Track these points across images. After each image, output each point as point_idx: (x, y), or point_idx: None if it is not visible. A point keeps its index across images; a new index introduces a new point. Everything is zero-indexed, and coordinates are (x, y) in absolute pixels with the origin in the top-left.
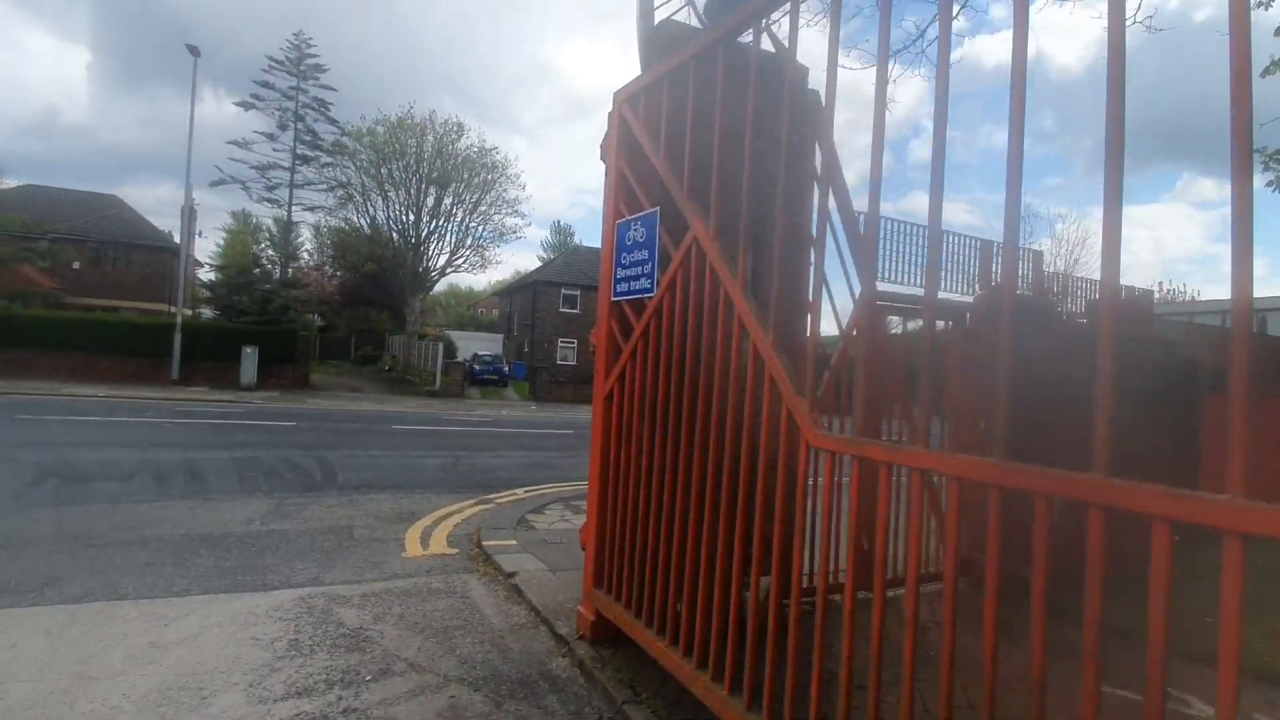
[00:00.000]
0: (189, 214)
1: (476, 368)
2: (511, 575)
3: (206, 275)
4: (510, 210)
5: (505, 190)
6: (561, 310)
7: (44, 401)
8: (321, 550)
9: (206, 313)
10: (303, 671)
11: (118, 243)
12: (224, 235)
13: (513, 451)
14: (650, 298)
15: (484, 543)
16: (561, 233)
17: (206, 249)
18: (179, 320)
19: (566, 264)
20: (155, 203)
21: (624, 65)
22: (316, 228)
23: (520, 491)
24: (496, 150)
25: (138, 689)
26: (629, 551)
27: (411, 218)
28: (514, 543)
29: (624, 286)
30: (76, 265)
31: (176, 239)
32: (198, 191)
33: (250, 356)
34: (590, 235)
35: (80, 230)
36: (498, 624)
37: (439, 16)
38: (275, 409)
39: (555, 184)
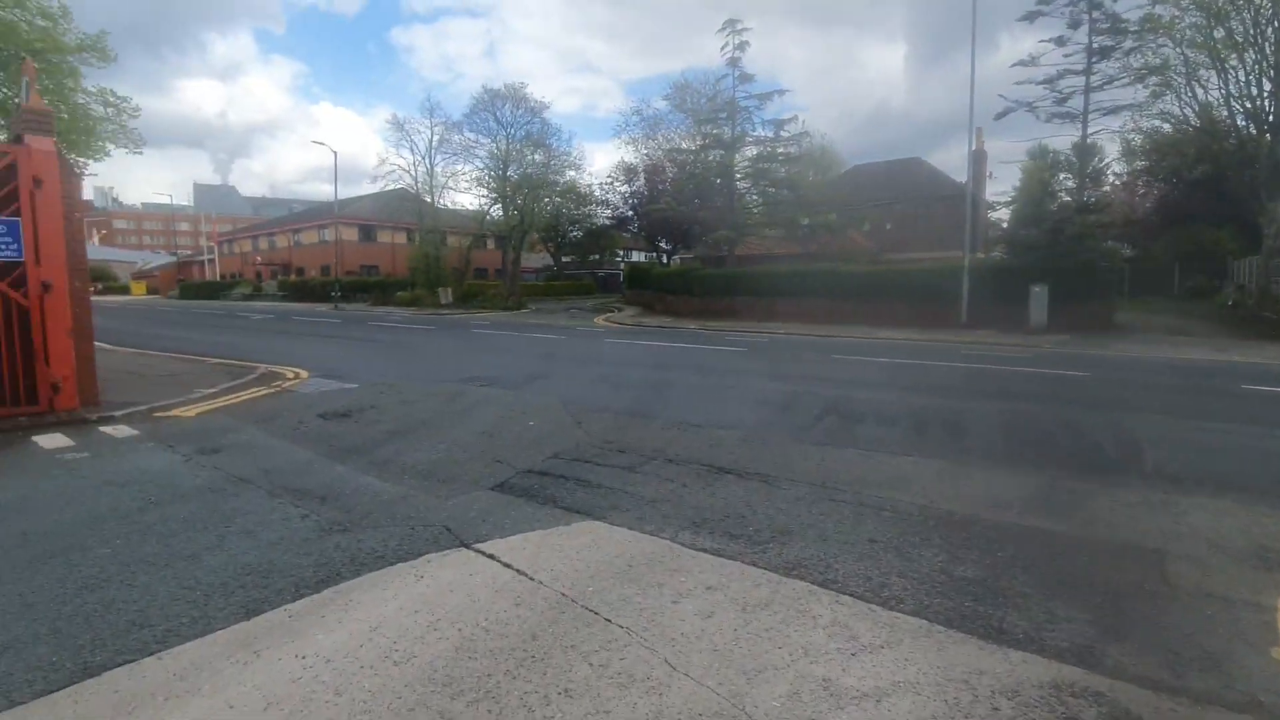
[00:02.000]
0: (973, 157)
1: None
2: None
3: (996, 216)
4: None
5: None
6: None
7: (854, 344)
8: (1099, 587)
9: (999, 255)
10: None
11: (918, 199)
12: (1019, 175)
13: None
14: None
15: None
16: None
17: (1000, 192)
18: (965, 263)
19: None
20: (960, 160)
21: None
22: (1124, 138)
23: None
24: None
25: None
26: None
27: (1269, 87)
28: None
29: None
30: (888, 226)
31: (973, 184)
32: (994, 141)
33: (1038, 296)
34: None
35: (889, 196)
36: None
37: None
38: (1064, 355)
39: None
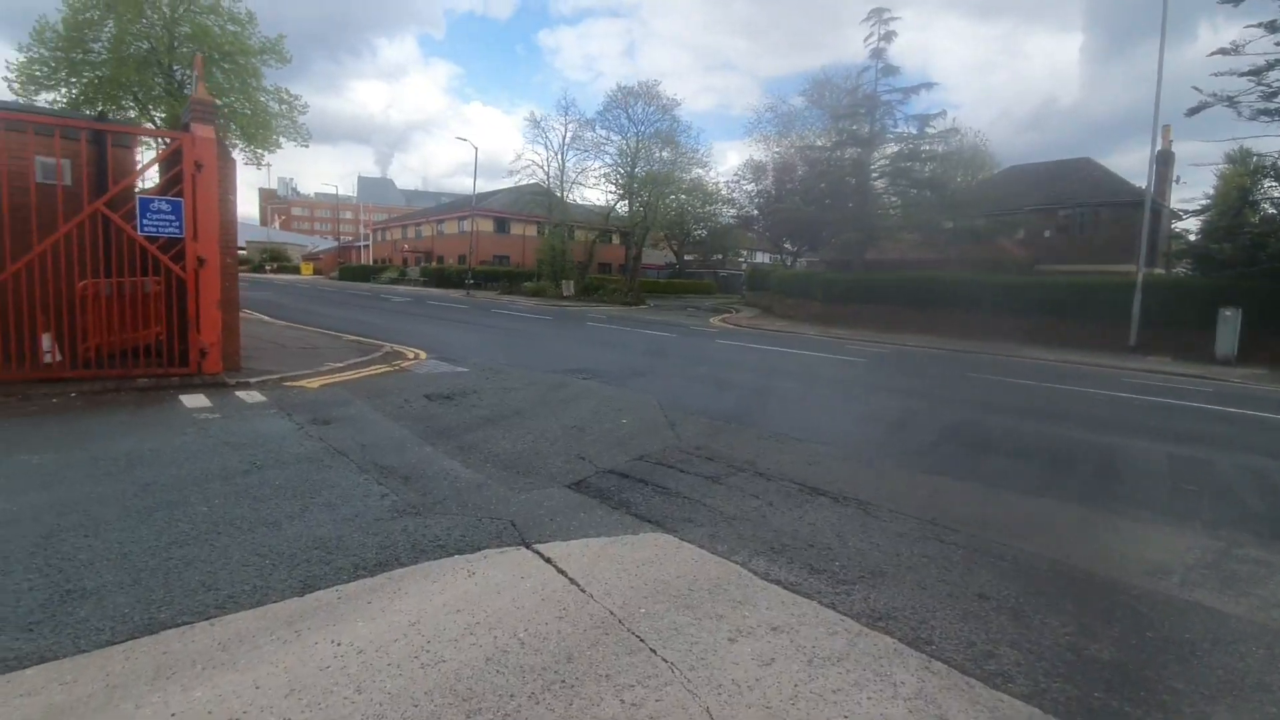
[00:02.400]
0: (1157, 158)
1: None
2: None
3: (1181, 227)
4: None
5: None
6: None
7: (995, 362)
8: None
9: (1182, 271)
10: None
11: (1085, 205)
12: (1214, 182)
13: None
14: None
15: None
16: None
17: (1188, 200)
18: (1139, 279)
19: None
20: (1139, 164)
21: None
22: None
23: None
24: None
25: None
26: None
27: None
28: None
29: None
30: (1046, 233)
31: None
32: (1184, 144)
33: (1229, 321)
34: None
35: (1051, 199)
36: None
37: None
38: (1260, 393)
39: None
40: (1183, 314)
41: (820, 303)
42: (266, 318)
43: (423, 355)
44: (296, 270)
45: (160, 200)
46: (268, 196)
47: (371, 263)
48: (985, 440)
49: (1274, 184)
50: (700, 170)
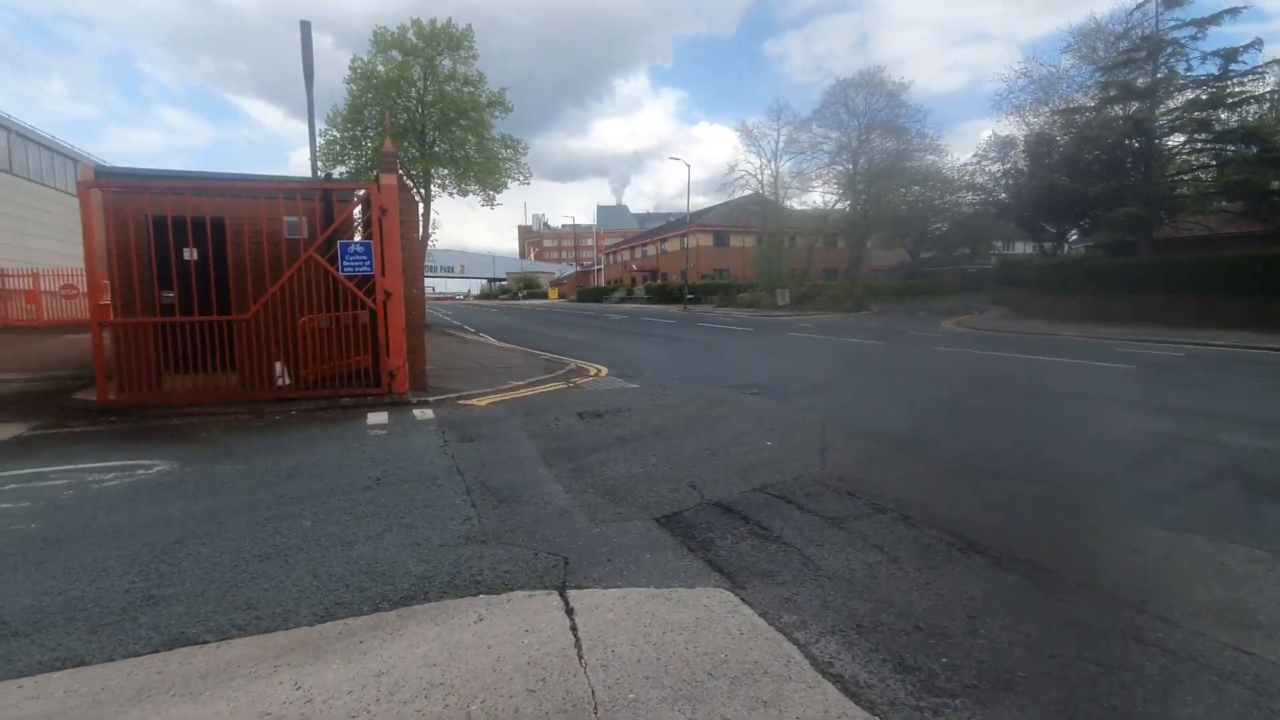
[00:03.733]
0: None
1: None
2: None
3: None
4: None
5: None
6: None
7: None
8: None
9: None
10: None
11: None
12: None
13: None
14: None
15: None
16: None
17: None
18: None
19: None
20: None
21: None
22: None
23: None
24: None
25: None
26: None
27: None
28: None
29: None
30: None
31: None
32: None
33: None
34: None
35: None
36: None
37: None
38: None
39: None
40: None
41: (1086, 297)
42: (493, 339)
43: (603, 371)
44: (544, 295)
45: (355, 243)
46: (525, 232)
47: (604, 284)
48: (1273, 479)
49: None
50: (934, 157)
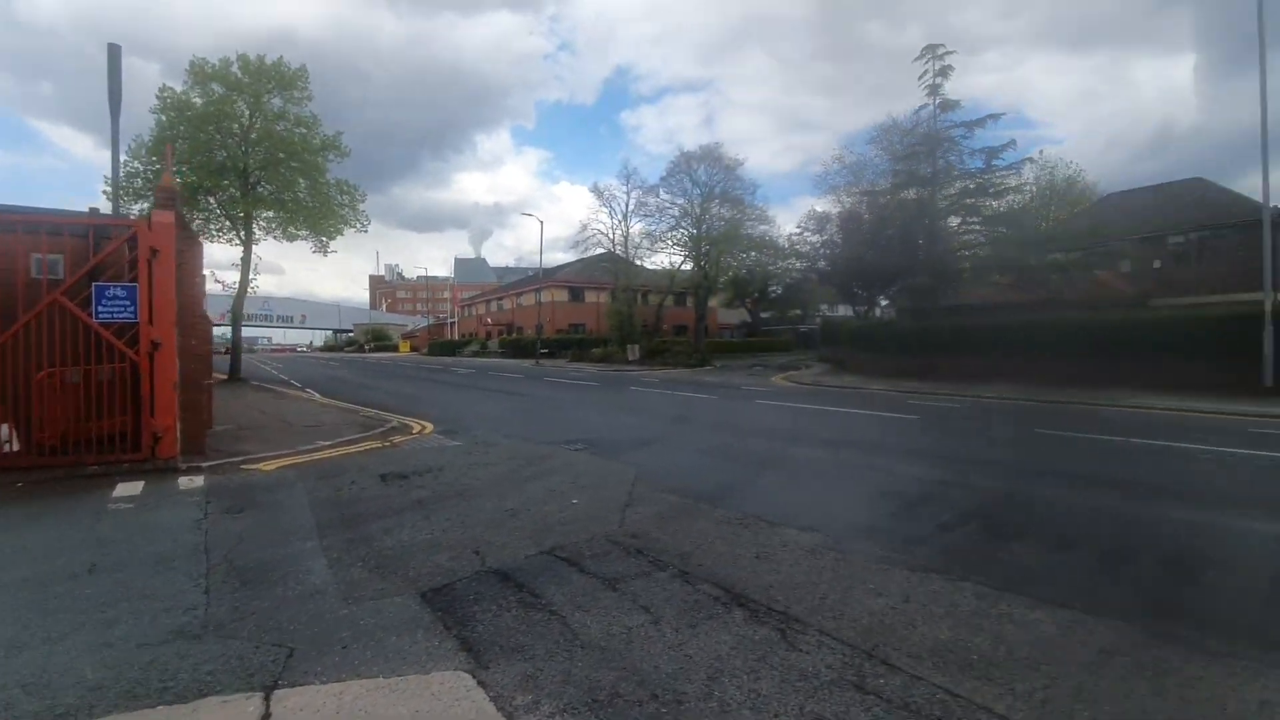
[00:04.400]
0: (1268, 159)
1: None
2: None
3: None
4: None
5: None
6: None
7: (1087, 414)
8: None
9: None
10: None
11: (1197, 229)
12: None
13: None
14: None
15: None
16: None
17: None
18: (1267, 307)
19: None
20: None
21: None
22: None
23: None
24: None
25: None
26: None
27: None
28: None
29: None
30: (1156, 264)
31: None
32: None
33: None
34: None
35: (1157, 227)
36: None
37: None
38: None
39: None
40: None
41: (891, 356)
42: (317, 395)
43: (428, 429)
44: (395, 348)
45: (115, 286)
46: (376, 282)
47: (458, 337)
48: (1019, 522)
49: None
50: (766, 226)
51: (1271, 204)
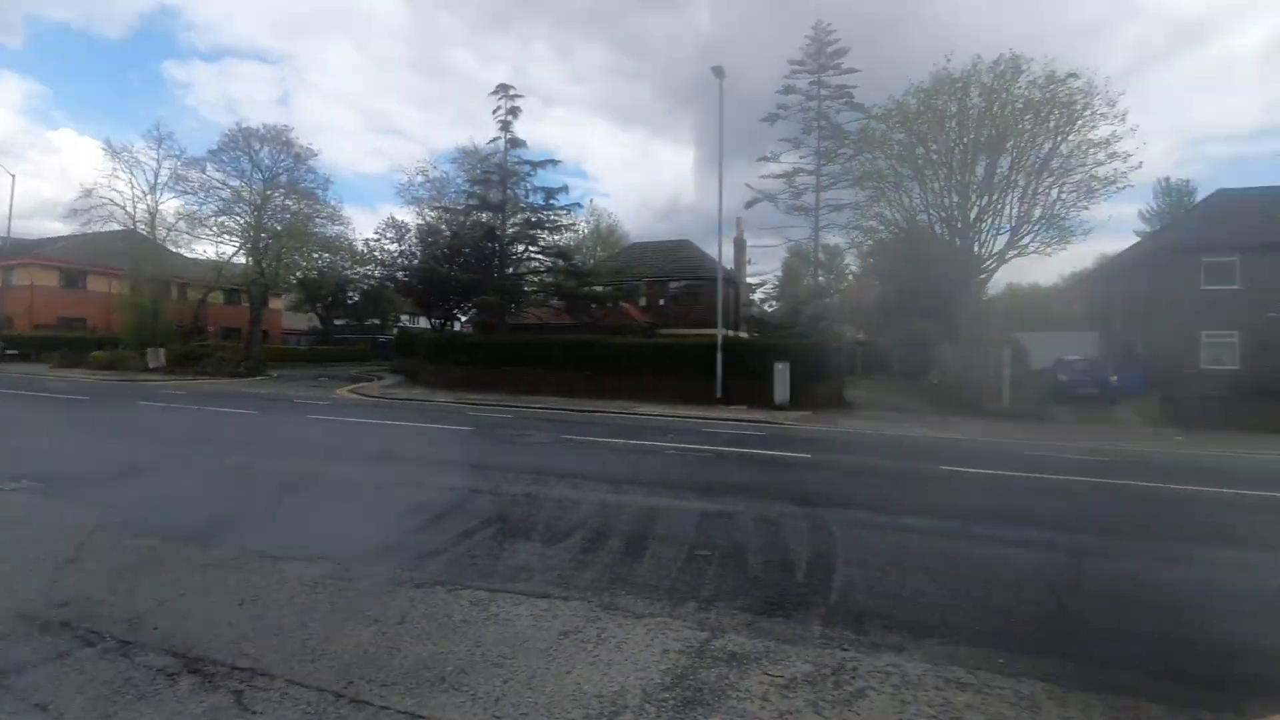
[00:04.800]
0: (736, 244)
1: (1063, 378)
2: None
3: (759, 297)
4: (1103, 156)
5: (1091, 129)
6: (1205, 288)
7: (603, 420)
8: None
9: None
10: None
11: (685, 279)
12: (780, 263)
13: (1200, 546)
14: None
15: None
16: (1173, 194)
17: (758, 272)
18: (719, 339)
19: (1210, 217)
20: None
21: None
22: (850, 237)
23: None
24: (1075, 76)
25: None
26: None
27: (956, 199)
28: None
29: None
30: (662, 302)
31: (735, 269)
32: (760, 235)
33: (782, 373)
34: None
35: (663, 273)
36: None
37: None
38: (798, 433)
39: (1157, 140)
40: (752, 368)
41: (460, 368)
42: None
43: None
44: None
45: None
46: None
47: None
48: (533, 522)
49: (820, 271)
50: (340, 227)
51: (726, 268)
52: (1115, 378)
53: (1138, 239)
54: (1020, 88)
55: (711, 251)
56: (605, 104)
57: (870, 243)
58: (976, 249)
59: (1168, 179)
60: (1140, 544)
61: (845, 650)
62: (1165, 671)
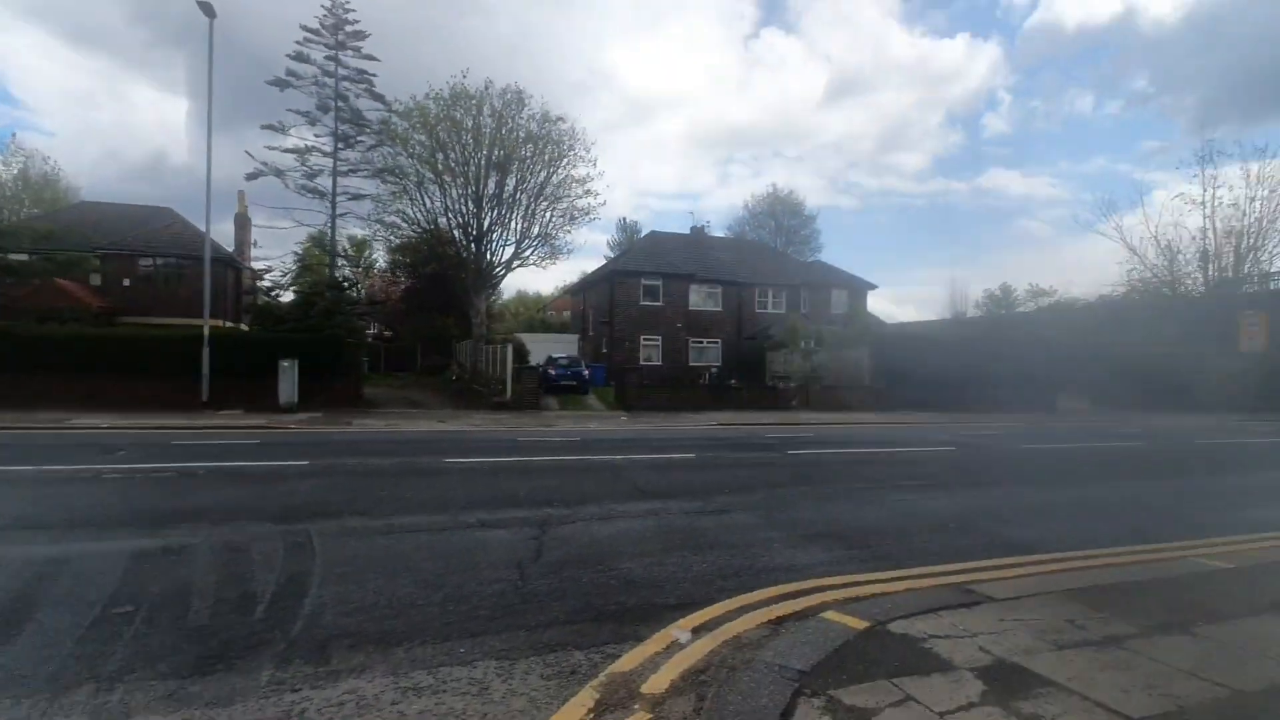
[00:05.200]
0: (236, 220)
1: (552, 373)
2: None
3: (267, 285)
4: (581, 191)
5: (574, 167)
6: (643, 304)
7: (29, 439)
8: None
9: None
10: None
11: (170, 257)
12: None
13: (626, 502)
14: None
15: None
16: (629, 230)
17: (265, 256)
18: (205, 332)
19: (646, 251)
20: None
21: (683, 62)
22: (373, 230)
23: (682, 629)
24: (563, 120)
25: None
26: None
27: (472, 208)
28: None
29: None
30: (127, 282)
31: (236, 250)
32: (271, 216)
33: (288, 371)
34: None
35: (130, 245)
36: None
37: (498, 32)
38: (299, 438)
39: (619, 187)
40: (252, 366)
41: None
42: None
43: None
44: None
45: None
46: None
47: None
48: None
49: (344, 263)
50: None
51: (224, 248)
52: (588, 372)
53: (605, 261)
54: (523, 119)
55: (202, 225)
56: (45, 10)
57: (395, 240)
58: (489, 256)
59: (624, 218)
60: (588, 507)
61: (296, 691)
62: (590, 618)
